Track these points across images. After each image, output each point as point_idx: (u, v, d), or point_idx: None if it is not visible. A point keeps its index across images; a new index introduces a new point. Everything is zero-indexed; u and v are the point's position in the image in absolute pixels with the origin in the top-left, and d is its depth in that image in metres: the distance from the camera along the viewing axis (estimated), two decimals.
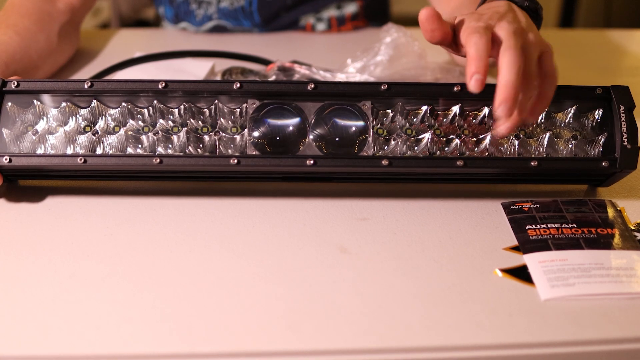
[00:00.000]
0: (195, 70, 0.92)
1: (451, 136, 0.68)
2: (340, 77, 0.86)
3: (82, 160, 0.65)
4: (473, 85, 0.59)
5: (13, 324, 0.54)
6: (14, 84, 0.67)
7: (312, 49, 1.13)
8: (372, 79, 0.87)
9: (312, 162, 0.66)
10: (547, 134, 0.68)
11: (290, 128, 0.67)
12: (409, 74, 0.89)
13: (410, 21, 1.01)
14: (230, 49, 0.97)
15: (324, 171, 0.68)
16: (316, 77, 0.86)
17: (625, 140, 0.67)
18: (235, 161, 0.66)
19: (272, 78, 0.84)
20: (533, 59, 0.61)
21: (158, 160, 0.65)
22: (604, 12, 2.71)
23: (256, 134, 0.67)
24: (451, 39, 0.64)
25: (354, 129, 0.67)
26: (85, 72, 0.99)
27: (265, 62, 0.93)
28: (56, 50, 0.95)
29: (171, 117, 0.68)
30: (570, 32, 1.56)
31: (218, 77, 0.88)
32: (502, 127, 0.59)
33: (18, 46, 0.86)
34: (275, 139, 0.67)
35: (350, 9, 1.18)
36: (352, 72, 0.88)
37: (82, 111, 0.68)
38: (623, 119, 0.67)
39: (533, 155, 0.68)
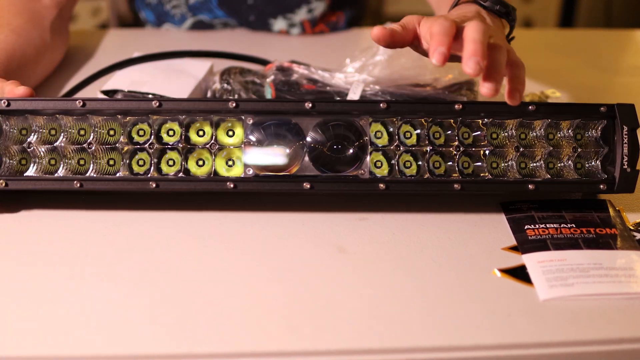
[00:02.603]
0: (194, 70, 0.91)
1: (451, 152, 0.67)
2: (339, 77, 0.85)
3: (79, 184, 0.65)
4: (436, 59, 0.59)
5: (12, 325, 0.54)
6: (4, 103, 0.65)
7: (311, 48, 1.13)
8: (371, 79, 0.87)
9: (308, 186, 0.65)
10: (549, 149, 0.67)
11: (287, 144, 0.67)
12: (407, 74, 0.89)
13: None
14: (229, 48, 0.97)
15: (321, 193, 0.67)
16: (315, 77, 0.86)
17: (626, 163, 0.66)
18: (232, 185, 0.65)
19: (271, 78, 0.84)
20: (501, 48, 0.61)
21: (154, 184, 0.65)
22: (604, 12, 2.71)
23: (252, 150, 0.66)
24: (416, 43, 0.66)
25: (351, 145, 0.67)
26: (84, 72, 0.99)
27: (264, 62, 0.93)
28: (50, 46, 0.95)
29: (166, 131, 0.67)
30: (570, 32, 1.56)
31: (217, 77, 0.88)
32: (485, 87, 0.59)
33: (16, 43, 0.86)
34: (271, 155, 0.67)
35: (319, 8, 1.17)
36: (350, 72, 0.87)
37: (76, 125, 0.67)
38: (625, 140, 0.66)
39: (533, 166, 0.67)
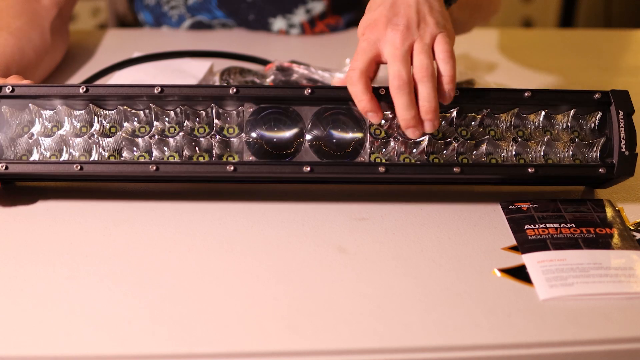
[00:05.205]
0: (194, 70, 0.92)
1: (449, 139, 0.67)
2: (339, 77, 0.85)
3: (79, 167, 0.65)
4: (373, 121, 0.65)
5: (12, 325, 0.54)
6: (8, 89, 0.66)
7: (311, 48, 1.13)
8: None
9: (309, 169, 0.65)
10: (546, 137, 0.68)
11: (287, 132, 0.67)
12: None
13: None
14: (228, 48, 0.97)
15: (321, 177, 0.68)
16: (315, 77, 0.86)
17: (624, 146, 0.66)
18: (232, 168, 0.65)
19: (271, 78, 0.84)
20: (424, 54, 0.64)
21: (154, 167, 0.65)
22: (604, 12, 2.71)
23: (253, 138, 0.67)
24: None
25: (351, 132, 0.67)
26: (84, 72, 0.99)
27: (264, 62, 0.93)
28: (51, 47, 0.95)
29: (167, 118, 0.68)
30: (570, 32, 1.56)
31: (216, 77, 0.88)
32: (426, 126, 0.64)
33: (15, 47, 0.86)
34: (271, 143, 0.67)
35: (317, 9, 1.17)
36: None
37: (78, 113, 0.68)
38: (622, 124, 0.67)
39: (531, 157, 0.68)
